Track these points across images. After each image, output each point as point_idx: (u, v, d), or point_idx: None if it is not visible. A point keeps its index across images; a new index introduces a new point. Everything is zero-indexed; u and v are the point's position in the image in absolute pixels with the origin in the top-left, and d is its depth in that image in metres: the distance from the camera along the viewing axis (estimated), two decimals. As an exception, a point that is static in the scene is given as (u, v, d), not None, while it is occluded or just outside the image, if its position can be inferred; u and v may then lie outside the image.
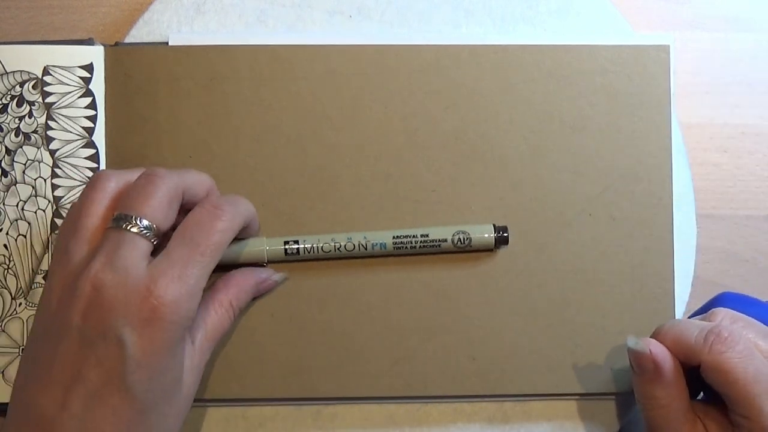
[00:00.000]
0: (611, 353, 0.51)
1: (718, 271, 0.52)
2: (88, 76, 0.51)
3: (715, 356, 0.43)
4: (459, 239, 0.49)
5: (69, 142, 0.50)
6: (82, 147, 0.51)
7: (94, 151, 0.51)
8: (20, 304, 0.50)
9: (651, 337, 0.46)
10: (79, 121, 0.51)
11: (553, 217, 0.52)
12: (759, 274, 0.54)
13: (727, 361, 0.43)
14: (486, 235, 0.49)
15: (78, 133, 0.51)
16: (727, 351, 0.43)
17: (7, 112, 0.50)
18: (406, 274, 0.51)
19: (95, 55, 0.51)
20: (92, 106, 0.51)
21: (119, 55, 0.51)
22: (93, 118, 0.51)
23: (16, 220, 0.50)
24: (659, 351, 0.44)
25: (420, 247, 0.49)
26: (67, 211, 0.50)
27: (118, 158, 0.51)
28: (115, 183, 0.44)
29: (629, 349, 0.45)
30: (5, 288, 0.50)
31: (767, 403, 0.42)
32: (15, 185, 0.50)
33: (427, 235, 0.49)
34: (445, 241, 0.49)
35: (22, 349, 0.50)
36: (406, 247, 0.49)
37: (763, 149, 0.53)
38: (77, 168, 0.50)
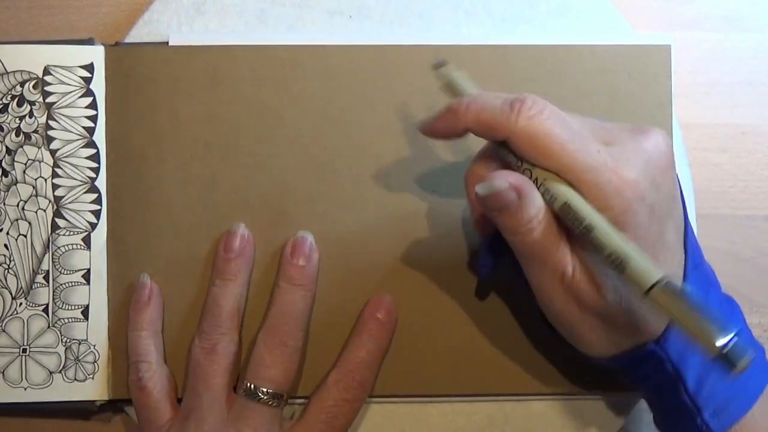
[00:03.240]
0: (611, 353, 0.51)
1: (718, 271, 0.52)
2: (89, 75, 0.51)
3: (525, 122, 0.40)
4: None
5: (69, 141, 0.50)
6: (82, 147, 0.51)
7: (94, 150, 0.51)
8: (20, 304, 0.50)
9: (445, 114, 0.43)
10: (80, 120, 0.51)
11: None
12: (759, 274, 0.54)
13: (538, 124, 0.40)
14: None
15: (78, 132, 0.51)
16: (536, 115, 0.40)
17: (8, 112, 0.50)
18: (405, 275, 0.51)
19: (96, 54, 0.51)
20: (93, 105, 0.51)
21: (120, 54, 0.51)
22: (93, 118, 0.51)
23: (17, 220, 0.50)
24: (516, 177, 0.40)
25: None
26: (69, 212, 0.50)
27: (118, 158, 0.51)
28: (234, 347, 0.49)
29: (482, 197, 0.40)
30: (5, 288, 0.50)
31: (588, 157, 0.39)
32: (15, 185, 0.50)
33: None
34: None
35: (23, 349, 0.50)
36: None
37: (763, 149, 0.53)
38: (78, 168, 0.50)
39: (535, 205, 0.40)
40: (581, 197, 0.39)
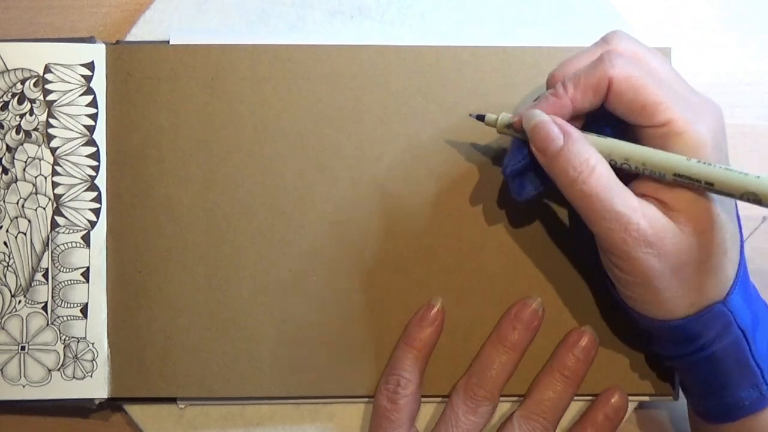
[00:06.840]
0: (609, 353, 0.51)
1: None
2: (90, 74, 0.51)
3: (620, 68, 0.42)
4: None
5: (70, 140, 0.50)
6: (82, 145, 0.51)
7: (94, 149, 0.51)
8: (20, 301, 0.50)
9: (546, 99, 0.44)
10: (80, 119, 0.51)
11: (553, 218, 0.52)
12: (759, 274, 0.54)
13: (634, 73, 0.42)
14: None
15: (79, 131, 0.51)
16: (628, 65, 0.43)
17: (8, 110, 0.50)
18: (404, 275, 0.51)
19: (97, 53, 0.51)
20: (93, 104, 0.51)
21: (120, 53, 0.51)
22: (94, 116, 0.51)
23: (17, 218, 0.50)
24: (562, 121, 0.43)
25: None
26: (68, 210, 0.50)
27: (118, 157, 0.51)
28: None
29: (530, 127, 0.43)
30: (5, 285, 0.50)
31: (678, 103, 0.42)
32: (15, 183, 0.50)
33: (712, 185, 0.41)
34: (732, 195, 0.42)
35: (22, 346, 0.50)
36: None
37: (763, 149, 0.53)
38: (78, 166, 0.50)
39: (583, 146, 0.42)
40: (686, 159, 0.41)
